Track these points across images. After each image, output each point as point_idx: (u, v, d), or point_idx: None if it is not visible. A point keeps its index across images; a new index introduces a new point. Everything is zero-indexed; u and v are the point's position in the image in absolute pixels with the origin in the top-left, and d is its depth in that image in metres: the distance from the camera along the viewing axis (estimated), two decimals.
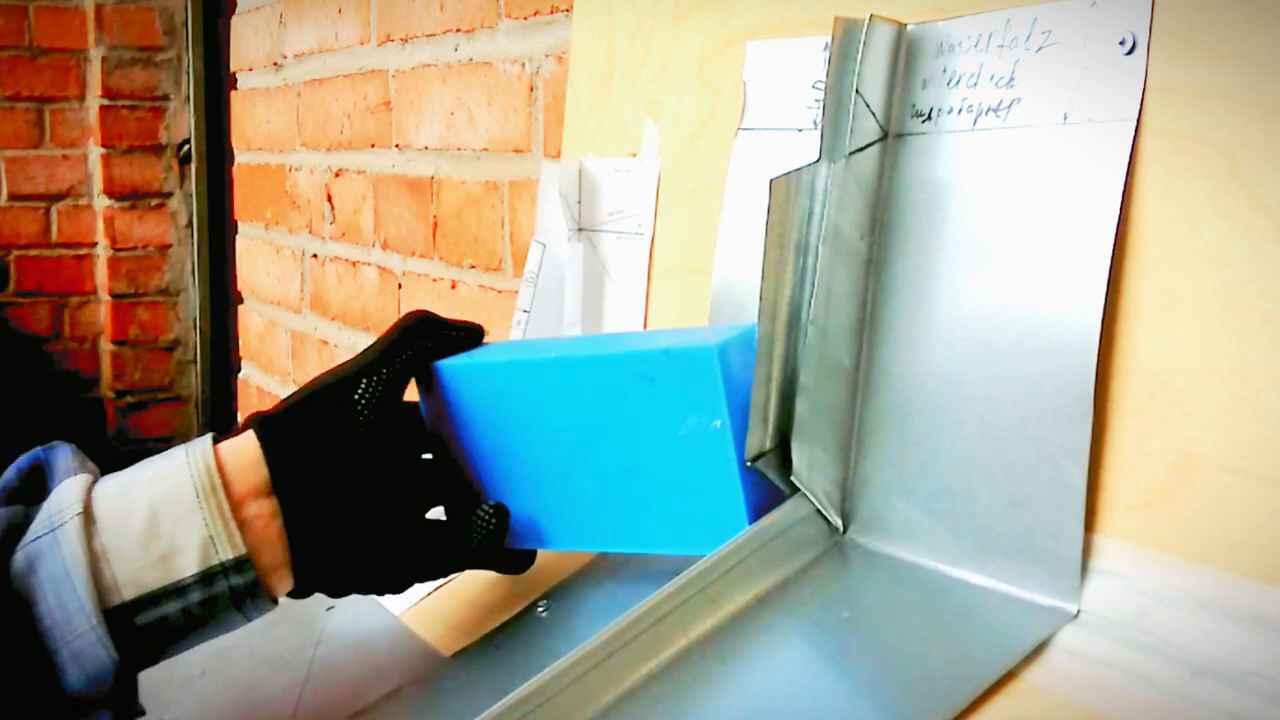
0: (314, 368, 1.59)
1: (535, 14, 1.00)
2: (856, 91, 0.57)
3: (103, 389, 2.66)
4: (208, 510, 0.55)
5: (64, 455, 0.57)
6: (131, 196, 2.59)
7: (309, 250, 1.58)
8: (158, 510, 0.55)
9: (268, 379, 1.79)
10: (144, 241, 2.61)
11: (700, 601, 0.55)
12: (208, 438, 0.58)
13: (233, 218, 1.93)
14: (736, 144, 0.69)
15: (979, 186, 0.55)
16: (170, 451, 0.57)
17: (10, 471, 0.57)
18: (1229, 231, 0.46)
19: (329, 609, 0.75)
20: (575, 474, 0.62)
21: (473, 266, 1.14)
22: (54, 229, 2.61)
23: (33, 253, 2.61)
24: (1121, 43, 0.50)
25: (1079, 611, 0.49)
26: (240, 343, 1.93)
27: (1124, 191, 0.49)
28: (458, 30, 1.14)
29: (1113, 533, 0.49)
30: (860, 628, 0.54)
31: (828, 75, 0.57)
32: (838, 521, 0.60)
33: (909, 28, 0.59)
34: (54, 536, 0.53)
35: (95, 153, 2.58)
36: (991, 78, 0.55)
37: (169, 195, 2.60)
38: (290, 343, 1.68)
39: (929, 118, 0.57)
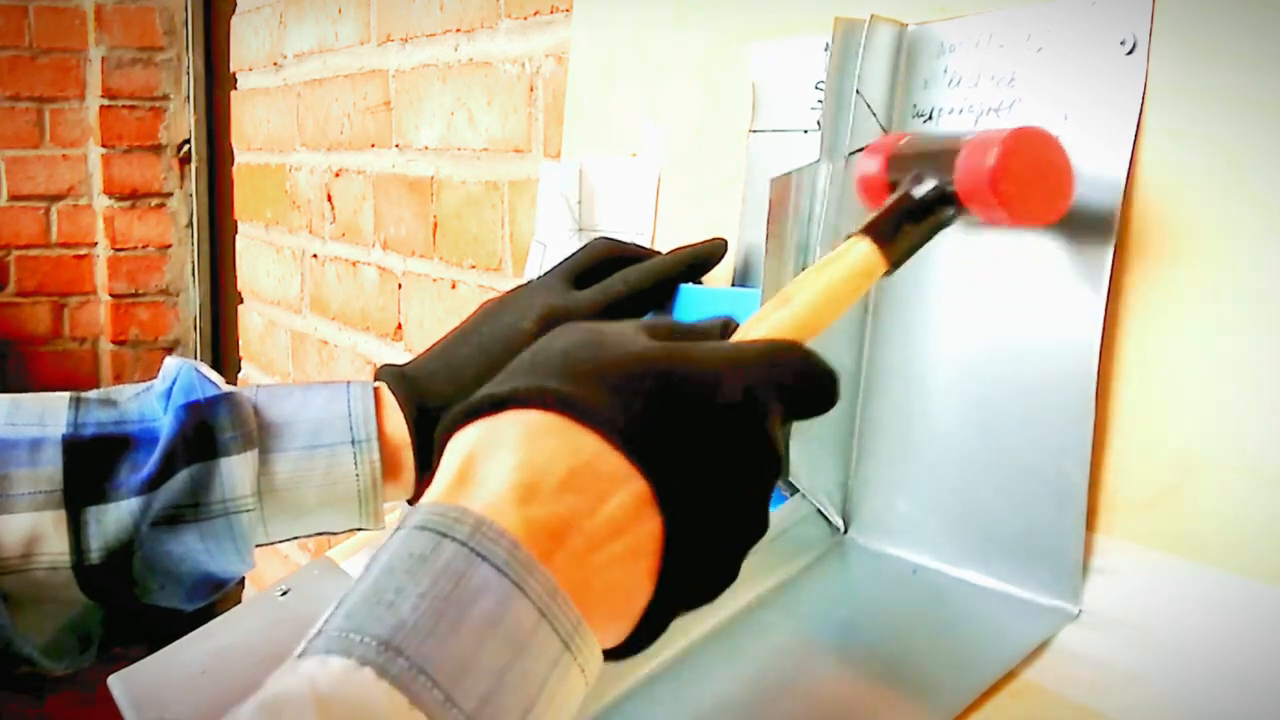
0: (314, 368, 1.59)
1: (535, 14, 1.00)
2: (857, 92, 0.57)
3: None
4: (364, 513, 0.60)
5: (226, 413, 0.58)
6: (131, 196, 2.59)
7: (309, 250, 1.58)
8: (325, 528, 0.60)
9: (268, 379, 1.79)
10: (144, 241, 2.61)
11: None
12: (374, 428, 0.59)
13: (233, 218, 1.93)
14: (750, 146, 0.69)
15: None
16: (338, 451, 0.59)
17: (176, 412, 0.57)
18: (1230, 231, 0.46)
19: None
20: None
21: (473, 266, 1.14)
22: (54, 229, 2.61)
23: (33, 253, 2.60)
24: (1122, 43, 0.50)
25: (1080, 611, 0.49)
26: (240, 343, 1.93)
27: (1125, 191, 0.49)
28: (458, 30, 1.14)
29: (1114, 532, 0.49)
30: (861, 628, 0.54)
31: (828, 75, 0.57)
32: (839, 522, 0.60)
33: (910, 28, 0.59)
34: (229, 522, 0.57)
35: (95, 153, 2.57)
36: (992, 78, 0.55)
37: (169, 195, 2.60)
38: (290, 342, 1.68)
39: (930, 118, 0.57)
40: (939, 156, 0.48)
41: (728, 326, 0.45)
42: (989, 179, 0.45)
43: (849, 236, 0.47)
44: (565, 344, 0.41)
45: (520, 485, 0.36)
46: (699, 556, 0.39)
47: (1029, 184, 0.46)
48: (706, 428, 0.39)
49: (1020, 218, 0.46)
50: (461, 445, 0.39)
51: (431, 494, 0.38)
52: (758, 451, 0.40)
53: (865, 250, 0.46)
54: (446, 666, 0.32)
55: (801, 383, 0.42)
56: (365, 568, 0.35)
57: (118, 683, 0.71)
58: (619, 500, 0.37)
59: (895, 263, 0.47)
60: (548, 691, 0.34)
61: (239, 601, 0.80)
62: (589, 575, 0.36)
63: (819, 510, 0.59)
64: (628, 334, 0.42)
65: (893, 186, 0.50)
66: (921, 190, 0.48)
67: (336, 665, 0.32)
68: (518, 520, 0.36)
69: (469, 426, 0.39)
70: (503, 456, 0.37)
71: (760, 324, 0.44)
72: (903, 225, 0.47)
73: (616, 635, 0.39)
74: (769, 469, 0.41)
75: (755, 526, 0.41)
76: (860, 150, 0.58)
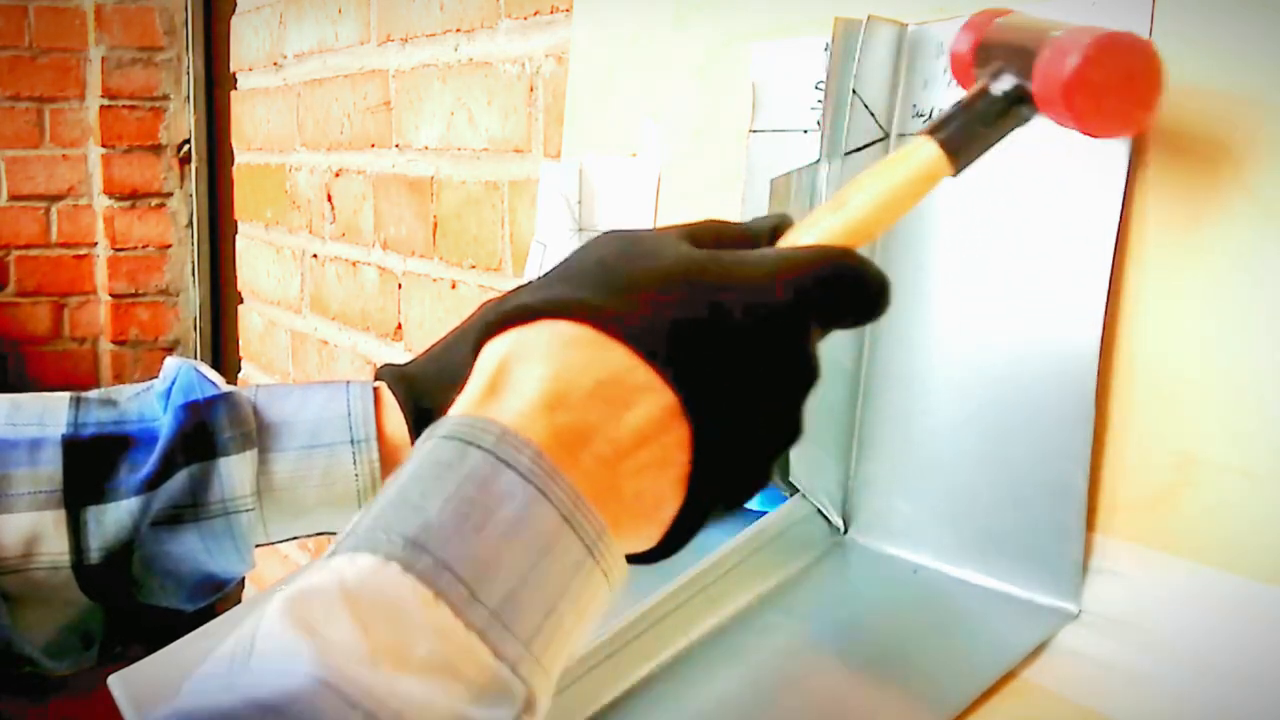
0: (314, 368, 1.59)
1: (535, 14, 1.00)
2: (853, 91, 0.57)
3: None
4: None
5: (223, 414, 0.57)
6: (131, 196, 2.59)
7: (309, 250, 1.58)
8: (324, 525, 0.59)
9: (268, 379, 1.79)
10: (144, 241, 2.61)
11: (701, 602, 0.55)
12: (373, 428, 0.59)
13: (233, 218, 1.93)
14: (750, 146, 0.69)
15: (980, 186, 0.55)
16: (337, 450, 0.58)
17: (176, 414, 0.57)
18: (1230, 231, 0.46)
19: None
20: None
21: (473, 266, 1.14)
22: (54, 229, 2.61)
23: (33, 253, 2.60)
24: None
25: (1080, 612, 0.49)
26: (240, 343, 1.93)
27: (1125, 191, 0.49)
28: (458, 30, 1.14)
29: (1114, 533, 0.49)
30: (861, 628, 0.54)
31: (828, 76, 0.57)
32: (839, 522, 0.60)
33: (910, 28, 0.59)
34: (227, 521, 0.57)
35: (95, 153, 2.57)
36: None
37: (169, 195, 2.60)
38: (290, 342, 1.68)
39: (930, 118, 0.58)
40: (1022, 53, 0.44)
41: (779, 227, 0.44)
42: (1062, 90, 0.42)
43: (915, 135, 0.45)
44: (601, 253, 0.42)
45: (549, 394, 0.37)
46: (728, 464, 0.39)
47: (1107, 96, 0.42)
48: (740, 341, 0.39)
49: (1094, 130, 0.43)
50: (494, 354, 0.39)
51: (462, 402, 0.38)
52: (793, 364, 0.40)
53: (931, 153, 0.44)
54: (471, 564, 0.33)
55: (850, 293, 0.41)
56: (393, 476, 0.36)
57: (118, 682, 0.71)
58: (645, 410, 0.38)
59: (961, 166, 0.44)
60: (571, 593, 0.35)
61: (239, 601, 0.80)
62: (617, 481, 0.37)
63: (819, 510, 0.59)
64: (668, 242, 0.42)
65: (977, 71, 0.48)
66: (997, 90, 0.45)
67: (364, 561, 0.32)
68: (545, 426, 0.36)
69: (502, 335, 0.40)
70: (533, 366, 0.38)
71: (811, 229, 0.43)
72: (972, 127, 0.44)
73: (646, 541, 0.39)
74: (804, 381, 0.40)
75: (787, 434, 0.40)
76: (859, 150, 0.58)
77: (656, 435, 0.38)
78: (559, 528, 0.35)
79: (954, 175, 0.44)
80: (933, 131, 0.44)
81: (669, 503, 0.39)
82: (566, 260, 0.42)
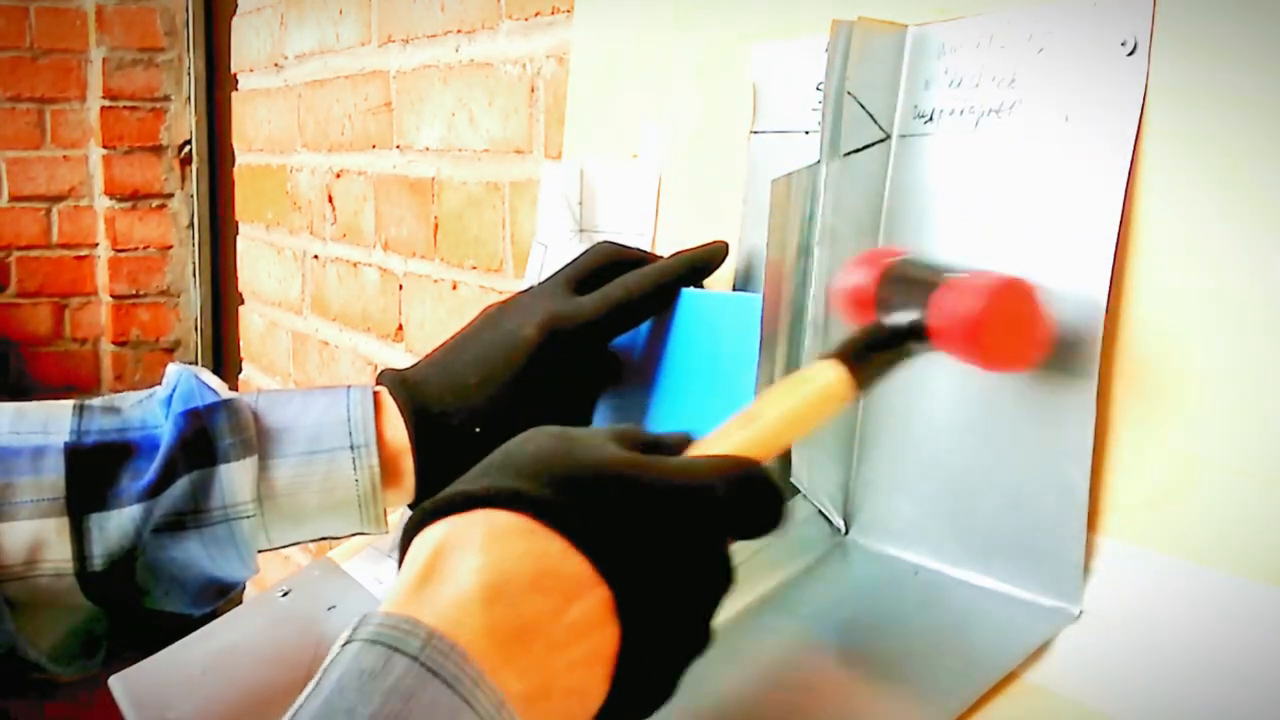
0: (315, 369, 1.59)
1: (536, 15, 1.00)
2: (849, 93, 0.57)
3: (104, 390, 2.66)
4: (365, 517, 0.60)
5: (223, 421, 0.58)
6: (132, 197, 2.59)
7: (310, 251, 1.58)
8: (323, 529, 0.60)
9: (269, 380, 1.79)
10: (145, 242, 2.61)
11: None
12: (373, 433, 0.59)
13: (234, 218, 1.93)
14: (751, 147, 0.69)
15: (981, 187, 0.55)
16: (337, 456, 0.59)
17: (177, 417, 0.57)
18: (1231, 231, 0.46)
19: (330, 608, 0.75)
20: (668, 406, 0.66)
21: (474, 267, 1.14)
22: (55, 230, 2.61)
23: (34, 254, 2.60)
24: (1123, 44, 0.50)
25: (1081, 612, 0.49)
26: (241, 344, 1.93)
27: (1126, 192, 0.49)
28: (458, 31, 1.14)
29: (1115, 533, 0.49)
30: (862, 629, 0.54)
31: (825, 78, 0.57)
32: (839, 522, 0.60)
33: (910, 29, 0.59)
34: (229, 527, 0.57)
35: (96, 153, 2.57)
36: (993, 79, 0.55)
37: (170, 196, 2.60)
38: (291, 344, 1.68)
39: (931, 119, 0.58)
40: (920, 288, 0.49)
41: (685, 440, 0.46)
42: (965, 329, 0.46)
43: (822, 358, 0.48)
44: (536, 447, 0.43)
45: (486, 586, 0.37)
46: (650, 665, 0.40)
47: (1007, 335, 0.47)
48: (666, 541, 0.40)
49: (991, 365, 0.48)
50: (429, 541, 0.39)
51: (393, 592, 0.38)
52: (712, 566, 0.42)
53: (837, 375, 0.47)
54: None
55: (754, 502, 0.43)
56: (317, 680, 0.35)
57: (118, 683, 0.71)
58: (583, 606, 0.38)
59: (865, 387, 0.48)
60: None
61: (240, 602, 0.80)
62: (550, 678, 0.38)
63: (820, 511, 0.59)
64: (596, 441, 0.43)
65: (882, 303, 0.51)
66: (895, 323, 0.49)
67: None
68: (483, 622, 0.37)
69: (437, 523, 0.40)
70: (469, 556, 0.38)
71: (722, 440, 0.45)
72: (873, 353, 0.49)
73: None
74: (720, 585, 0.42)
75: (701, 640, 0.42)
76: (858, 150, 0.58)
77: (590, 632, 0.38)
78: None
79: (859, 397, 0.48)
80: (840, 355, 0.48)
81: (593, 699, 0.39)
82: (502, 450, 0.43)
